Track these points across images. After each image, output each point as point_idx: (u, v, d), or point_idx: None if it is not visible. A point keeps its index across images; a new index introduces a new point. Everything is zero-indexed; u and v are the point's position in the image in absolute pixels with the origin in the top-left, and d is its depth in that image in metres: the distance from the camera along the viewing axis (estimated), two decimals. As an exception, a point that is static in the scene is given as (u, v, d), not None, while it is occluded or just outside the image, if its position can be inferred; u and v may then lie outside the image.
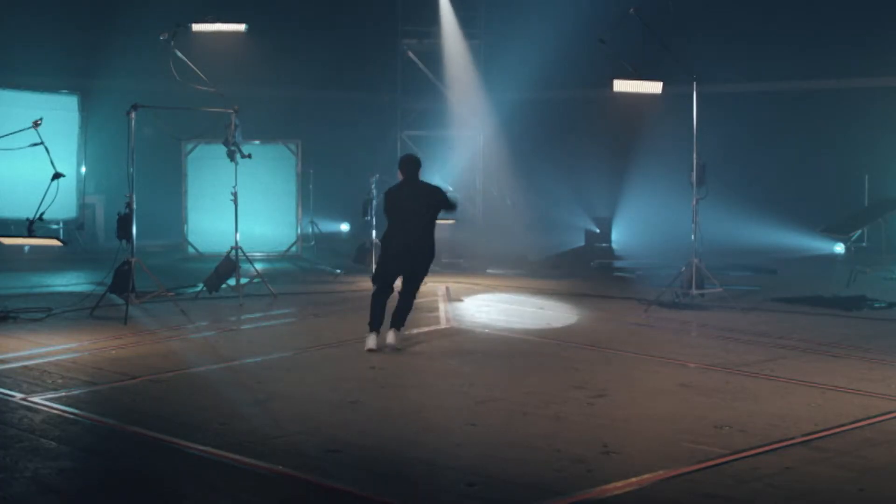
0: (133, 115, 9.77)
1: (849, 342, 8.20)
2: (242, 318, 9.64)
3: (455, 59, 19.12)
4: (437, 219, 8.26)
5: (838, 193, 16.56)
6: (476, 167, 19.98)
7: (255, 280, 11.24)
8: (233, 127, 10.38)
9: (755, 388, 6.50)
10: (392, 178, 18.59)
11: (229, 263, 10.77)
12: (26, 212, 8.63)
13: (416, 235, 8.04)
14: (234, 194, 10.61)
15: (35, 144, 8.98)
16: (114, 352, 7.69)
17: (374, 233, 12.64)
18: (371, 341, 7.79)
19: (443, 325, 9.27)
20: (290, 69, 19.12)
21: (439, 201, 8.22)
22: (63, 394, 6.21)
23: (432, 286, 12.21)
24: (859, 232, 14.69)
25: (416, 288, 8.24)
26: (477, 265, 14.66)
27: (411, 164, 8.38)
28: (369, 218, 12.72)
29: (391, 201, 8.28)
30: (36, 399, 6.03)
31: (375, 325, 7.89)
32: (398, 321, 8.02)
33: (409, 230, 8.05)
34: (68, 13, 17.44)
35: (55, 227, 15.99)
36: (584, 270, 14.42)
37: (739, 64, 17.69)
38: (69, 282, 12.28)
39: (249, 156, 10.68)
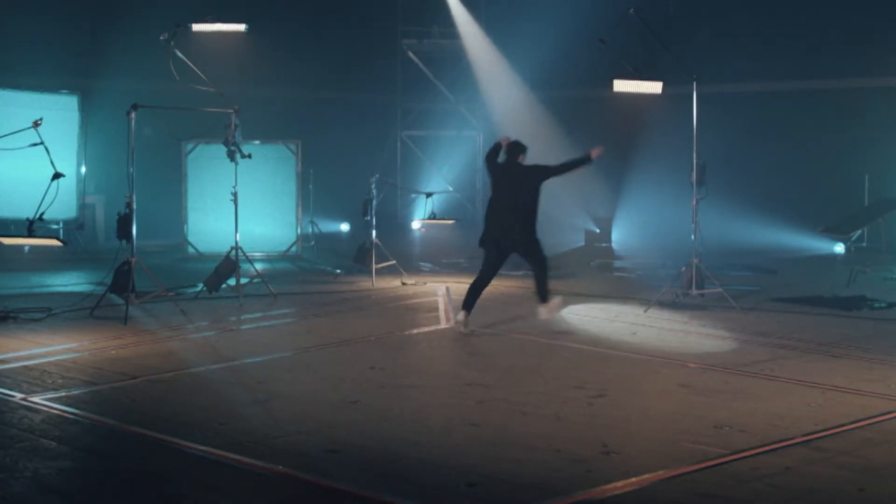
0: (133, 115, 9.77)
1: (849, 342, 8.20)
2: (242, 318, 9.64)
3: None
4: (537, 197, 8.71)
5: (838, 193, 16.56)
6: (476, 167, 19.99)
7: (255, 280, 11.24)
8: (233, 127, 10.37)
9: (755, 388, 6.51)
10: (392, 177, 18.55)
11: (229, 263, 10.77)
12: (26, 212, 8.62)
13: (507, 212, 8.65)
14: (234, 194, 10.61)
15: (35, 144, 8.98)
16: (114, 352, 7.69)
17: (373, 233, 12.64)
18: (460, 316, 8.71)
19: (443, 324, 9.28)
20: (291, 69, 19.13)
21: (540, 174, 8.76)
22: (63, 394, 6.21)
23: (432, 286, 12.22)
24: (859, 232, 14.69)
25: (538, 260, 8.71)
26: (477, 265, 14.62)
27: (509, 148, 8.95)
28: (369, 218, 12.71)
29: (491, 170, 9.04)
30: (36, 399, 6.03)
31: (465, 304, 8.73)
32: (540, 295, 8.75)
33: (502, 205, 8.70)
34: (68, 13, 17.44)
35: (55, 227, 15.98)
36: (584, 270, 14.41)
37: (739, 64, 17.70)
38: (69, 282, 12.28)
39: (249, 156, 10.68)
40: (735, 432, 5.35)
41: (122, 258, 9.77)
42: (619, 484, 4.48)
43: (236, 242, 10.69)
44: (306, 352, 7.85)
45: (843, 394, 6.31)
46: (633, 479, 4.54)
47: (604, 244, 16.15)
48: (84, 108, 16.57)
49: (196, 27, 10.79)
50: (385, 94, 20.46)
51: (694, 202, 10.33)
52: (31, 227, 8.48)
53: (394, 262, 12.74)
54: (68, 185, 13.80)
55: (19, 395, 6.10)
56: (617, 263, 15.28)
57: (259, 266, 11.84)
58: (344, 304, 10.66)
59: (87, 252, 15.62)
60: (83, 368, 7.03)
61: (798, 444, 5.14)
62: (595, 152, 8.98)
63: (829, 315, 9.84)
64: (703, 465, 4.76)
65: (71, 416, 5.65)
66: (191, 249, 15.71)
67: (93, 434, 5.42)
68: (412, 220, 20.40)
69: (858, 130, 17.07)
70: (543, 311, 8.79)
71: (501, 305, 10.67)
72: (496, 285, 12.40)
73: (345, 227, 20.08)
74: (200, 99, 10.95)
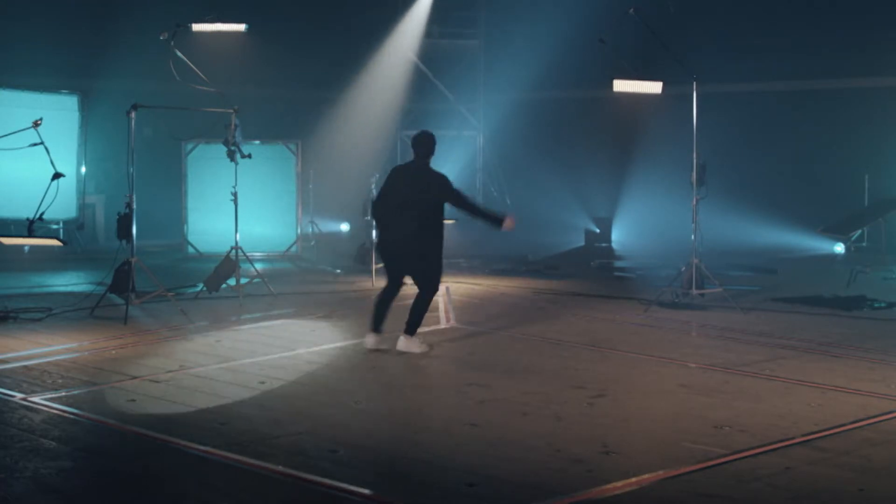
0: (133, 115, 9.77)
1: (849, 342, 8.20)
2: (242, 318, 9.64)
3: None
4: (435, 214, 7.51)
5: (838, 193, 16.55)
6: (476, 167, 19.99)
7: (255, 280, 11.24)
8: (233, 127, 10.37)
9: (755, 388, 6.51)
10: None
11: (229, 263, 10.77)
12: (26, 212, 8.62)
13: (400, 227, 7.47)
14: (234, 194, 10.61)
15: (35, 144, 8.98)
16: (114, 352, 7.69)
17: (374, 233, 12.64)
18: (369, 340, 7.78)
19: (443, 324, 9.27)
20: (290, 69, 19.11)
21: (440, 194, 7.45)
22: (63, 394, 6.21)
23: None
24: (859, 232, 14.68)
25: (424, 289, 7.66)
26: (477, 265, 14.65)
27: (418, 143, 7.65)
28: (369, 218, 12.71)
29: (386, 178, 7.76)
30: (36, 399, 6.03)
31: (373, 325, 7.81)
32: (407, 326, 7.70)
33: (395, 219, 7.51)
34: (68, 13, 17.43)
35: (55, 227, 15.97)
36: (584, 270, 14.41)
37: (739, 64, 17.69)
38: (69, 282, 12.28)
39: (249, 156, 10.67)
40: (735, 432, 5.35)
41: (122, 258, 9.77)
42: (619, 484, 4.48)
43: (236, 242, 10.69)
44: (306, 352, 7.85)
45: (843, 394, 6.31)
46: (633, 479, 4.54)
47: (604, 244, 16.17)
48: (84, 108, 16.56)
49: (196, 27, 10.78)
50: (385, 94, 20.45)
51: (694, 202, 10.33)
52: (31, 227, 8.49)
53: (394, 262, 12.72)
54: (68, 185, 13.81)
55: (19, 395, 6.10)
56: (617, 263, 15.28)
57: (259, 266, 11.84)
58: (344, 304, 10.66)
59: (87, 252, 15.62)
60: (83, 368, 7.03)
61: (798, 444, 5.14)
62: (508, 223, 7.64)
63: (829, 315, 9.84)
64: (703, 465, 4.76)
65: (71, 416, 5.65)
66: (191, 249, 15.71)
67: (93, 434, 5.42)
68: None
69: (858, 130, 17.06)
70: (399, 342, 7.66)
71: (502, 306, 10.68)
72: (496, 285, 12.42)
73: (345, 227, 20.07)
74: (200, 99, 10.95)
